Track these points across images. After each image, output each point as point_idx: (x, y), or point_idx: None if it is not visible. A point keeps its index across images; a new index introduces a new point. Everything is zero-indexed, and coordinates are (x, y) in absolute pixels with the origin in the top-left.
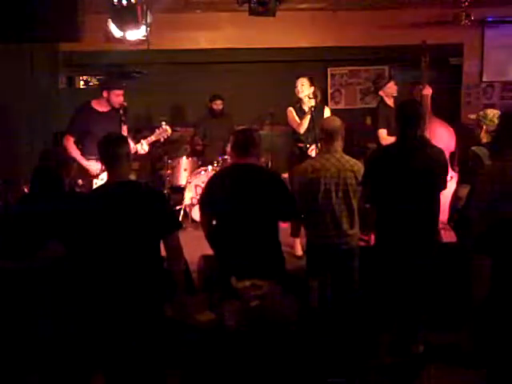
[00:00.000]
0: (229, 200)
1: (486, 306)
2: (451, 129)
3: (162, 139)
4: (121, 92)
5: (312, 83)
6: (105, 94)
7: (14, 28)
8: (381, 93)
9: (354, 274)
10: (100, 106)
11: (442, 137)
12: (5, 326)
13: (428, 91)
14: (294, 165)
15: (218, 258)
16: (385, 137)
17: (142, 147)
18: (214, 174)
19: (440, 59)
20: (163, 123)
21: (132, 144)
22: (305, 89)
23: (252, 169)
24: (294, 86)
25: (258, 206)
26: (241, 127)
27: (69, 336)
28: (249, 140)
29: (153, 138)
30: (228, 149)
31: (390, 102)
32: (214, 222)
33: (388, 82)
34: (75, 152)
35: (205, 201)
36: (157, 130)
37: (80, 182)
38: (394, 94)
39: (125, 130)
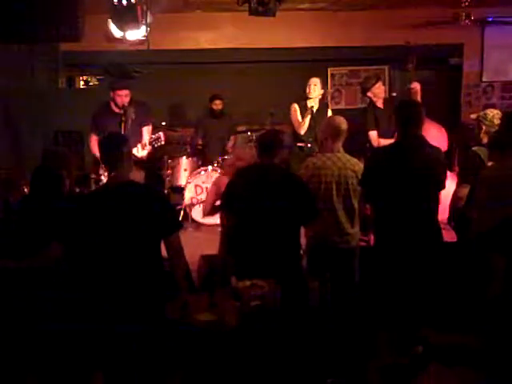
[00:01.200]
0: (250, 199)
1: (498, 305)
2: (443, 129)
3: (155, 146)
4: (123, 92)
5: (322, 86)
6: (111, 94)
7: (14, 28)
8: (369, 94)
9: (354, 274)
10: (116, 107)
11: (434, 137)
12: (5, 325)
13: (415, 85)
14: (294, 164)
15: (233, 256)
16: (375, 138)
17: (139, 152)
18: (237, 173)
19: (440, 59)
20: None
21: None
22: (317, 89)
23: (275, 170)
24: (307, 84)
25: (280, 208)
26: (240, 127)
27: (69, 336)
28: (275, 141)
29: (146, 144)
30: (228, 148)
31: (379, 103)
32: (237, 222)
33: (375, 82)
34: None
35: (226, 199)
36: (152, 136)
37: (93, 175)
38: (383, 95)
39: (149, 131)
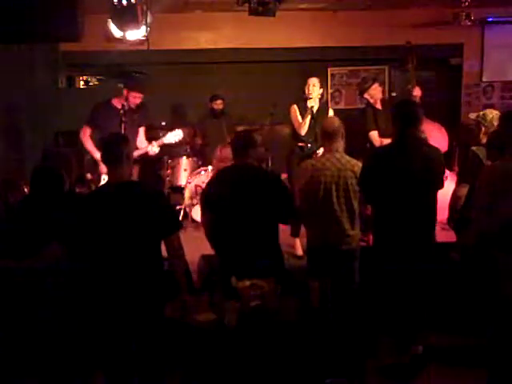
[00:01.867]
0: (228, 200)
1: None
2: (443, 129)
3: (173, 142)
4: (138, 95)
5: (321, 85)
6: (125, 92)
7: (14, 28)
8: (366, 96)
9: (354, 275)
10: (119, 104)
11: (434, 138)
12: (5, 325)
13: (418, 92)
14: (294, 164)
15: (218, 257)
16: (377, 138)
17: (153, 148)
18: (215, 174)
19: (440, 59)
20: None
21: (146, 143)
22: (316, 89)
23: (250, 169)
24: (306, 85)
25: (255, 206)
26: (240, 127)
27: (69, 335)
28: (248, 141)
29: (163, 141)
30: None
31: (377, 104)
32: (215, 222)
33: (372, 84)
34: (89, 144)
35: (205, 200)
36: (169, 133)
37: (89, 175)
38: (380, 96)
39: (144, 132)
